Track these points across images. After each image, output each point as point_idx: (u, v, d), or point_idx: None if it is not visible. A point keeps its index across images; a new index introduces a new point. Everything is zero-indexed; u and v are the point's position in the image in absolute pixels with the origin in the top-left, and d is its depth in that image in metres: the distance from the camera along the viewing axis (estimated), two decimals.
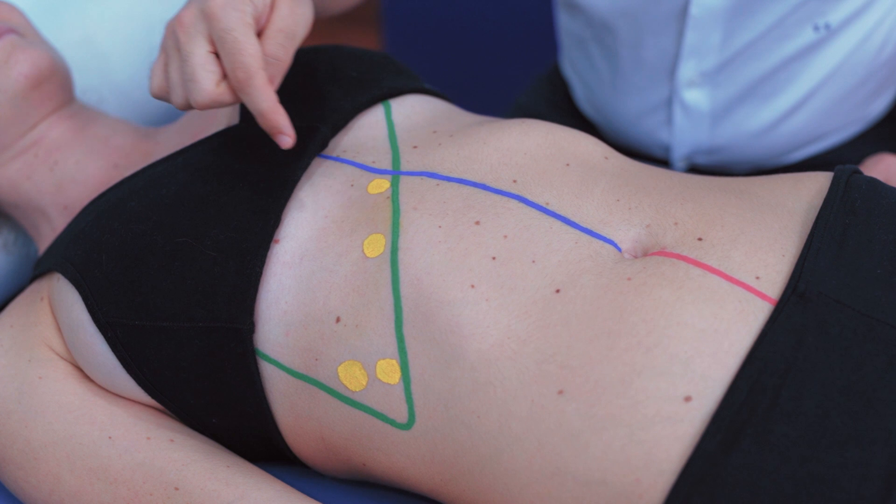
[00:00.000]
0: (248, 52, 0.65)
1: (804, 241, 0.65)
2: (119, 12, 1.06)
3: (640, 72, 1.05)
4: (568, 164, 0.72)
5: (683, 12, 0.98)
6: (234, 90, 0.67)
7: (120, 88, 1.03)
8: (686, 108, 1.04)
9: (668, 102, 1.05)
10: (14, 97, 0.82)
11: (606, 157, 0.74)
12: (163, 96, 0.71)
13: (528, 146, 0.73)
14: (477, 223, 0.68)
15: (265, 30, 0.68)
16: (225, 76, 0.67)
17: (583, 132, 0.76)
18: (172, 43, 0.69)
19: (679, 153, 1.08)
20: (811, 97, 1.02)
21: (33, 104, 0.83)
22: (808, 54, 0.99)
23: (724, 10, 0.96)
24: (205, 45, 0.67)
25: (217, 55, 0.67)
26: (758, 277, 0.63)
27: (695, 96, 1.03)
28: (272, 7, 0.68)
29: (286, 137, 0.68)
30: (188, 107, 0.69)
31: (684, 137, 1.07)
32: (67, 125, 0.86)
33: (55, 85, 0.84)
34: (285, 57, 0.68)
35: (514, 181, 0.70)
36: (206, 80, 0.66)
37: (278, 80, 0.68)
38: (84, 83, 1.01)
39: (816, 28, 0.97)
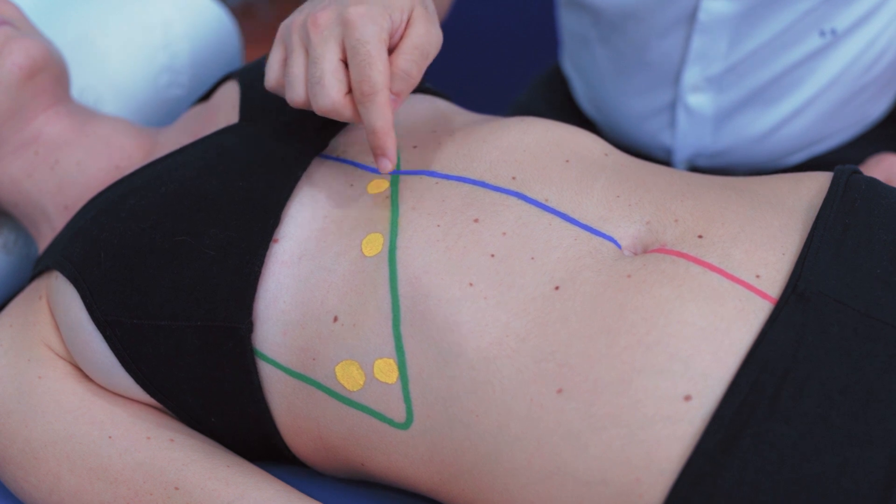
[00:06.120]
0: (378, 67, 0.65)
1: (804, 239, 0.65)
2: (118, 12, 1.06)
3: (645, 74, 1.05)
4: (567, 161, 0.72)
5: (692, 17, 0.97)
6: (354, 105, 0.67)
7: (118, 88, 1.03)
8: (690, 112, 1.04)
9: (672, 106, 1.05)
10: (9, 87, 0.82)
11: (606, 154, 0.74)
12: (277, 90, 0.71)
13: (528, 143, 0.73)
14: (476, 221, 0.67)
15: (399, 45, 0.67)
16: (350, 88, 0.67)
17: (582, 129, 0.76)
18: (299, 39, 0.68)
19: (681, 156, 1.08)
20: (814, 101, 1.01)
21: (28, 95, 0.83)
22: (814, 60, 0.98)
23: (733, 17, 0.96)
24: (337, 51, 0.67)
25: (346, 63, 0.67)
26: (758, 276, 0.63)
27: (699, 101, 1.03)
28: (408, 24, 0.68)
29: (386, 161, 0.68)
30: (305, 105, 0.69)
31: (686, 141, 1.06)
32: (66, 122, 0.86)
33: (50, 76, 0.84)
34: (416, 74, 0.67)
35: (513, 178, 0.70)
36: (334, 88, 0.66)
37: (404, 96, 0.67)
38: (82, 82, 1.01)
39: (823, 34, 0.96)
